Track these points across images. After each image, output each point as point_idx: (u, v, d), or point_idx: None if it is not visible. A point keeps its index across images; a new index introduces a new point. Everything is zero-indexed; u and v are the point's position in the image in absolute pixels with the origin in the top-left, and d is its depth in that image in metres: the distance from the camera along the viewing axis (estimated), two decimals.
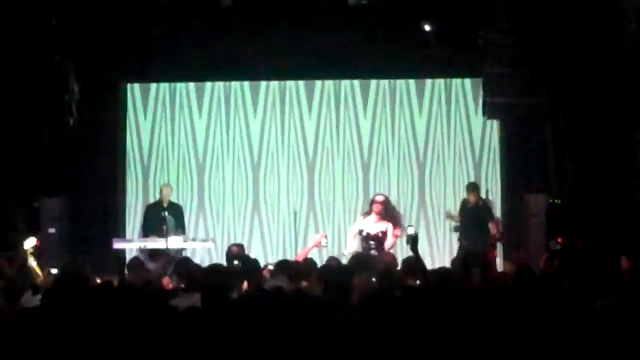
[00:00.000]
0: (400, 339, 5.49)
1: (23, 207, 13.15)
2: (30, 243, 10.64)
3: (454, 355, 5.46)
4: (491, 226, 13.14)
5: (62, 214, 13.47)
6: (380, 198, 11.94)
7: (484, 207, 13.34)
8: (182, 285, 8.07)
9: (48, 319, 5.89)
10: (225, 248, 10.95)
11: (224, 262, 9.94)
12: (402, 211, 13.95)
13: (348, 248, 11.80)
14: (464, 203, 13.51)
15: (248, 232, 14.65)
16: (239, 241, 12.75)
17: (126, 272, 9.84)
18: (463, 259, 9.04)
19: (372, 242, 11.63)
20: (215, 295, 6.64)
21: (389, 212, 11.87)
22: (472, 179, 14.08)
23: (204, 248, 13.39)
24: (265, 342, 5.35)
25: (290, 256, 12.22)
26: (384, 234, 11.66)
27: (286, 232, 14.49)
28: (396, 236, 11.68)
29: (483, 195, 13.56)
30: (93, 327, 5.71)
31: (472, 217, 13.21)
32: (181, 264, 9.01)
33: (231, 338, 5.39)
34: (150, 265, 11.76)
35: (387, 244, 11.62)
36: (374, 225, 11.74)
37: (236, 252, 10.32)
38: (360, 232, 11.77)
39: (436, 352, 5.44)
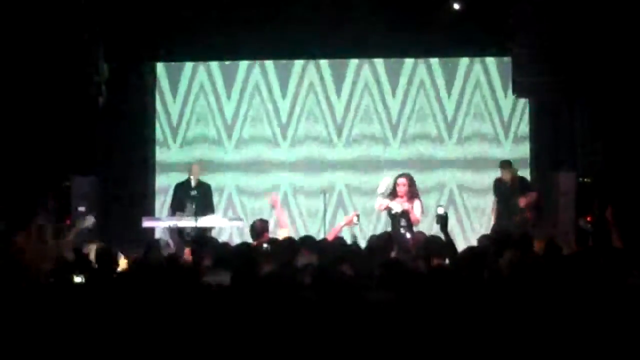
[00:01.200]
0: (427, 318, 5.50)
1: (54, 186, 13.24)
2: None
3: (483, 334, 5.47)
4: (522, 200, 13.09)
5: (92, 193, 13.52)
6: (402, 180, 11.91)
7: (519, 185, 13.31)
8: (208, 264, 8.09)
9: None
10: None
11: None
12: (430, 191, 14.04)
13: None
14: (499, 182, 13.45)
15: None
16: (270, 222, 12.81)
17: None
18: (493, 239, 9.03)
19: (402, 220, 11.64)
20: (245, 273, 6.67)
21: (413, 192, 11.89)
22: (501, 158, 13.97)
23: (232, 227, 13.45)
24: (292, 320, 5.38)
25: (319, 235, 12.24)
26: (410, 211, 11.66)
27: (315, 211, 14.51)
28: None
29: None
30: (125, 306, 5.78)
31: (509, 197, 13.18)
32: (208, 242, 9.05)
33: (261, 315, 5.42)
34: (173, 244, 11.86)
35: (413, 218, 11.66)
36: (398, 205, 11.74)
37: (260, 226, 10.33)
38: (389, 210, 11.77)
39: (464, 332, 5.45)
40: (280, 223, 11.39)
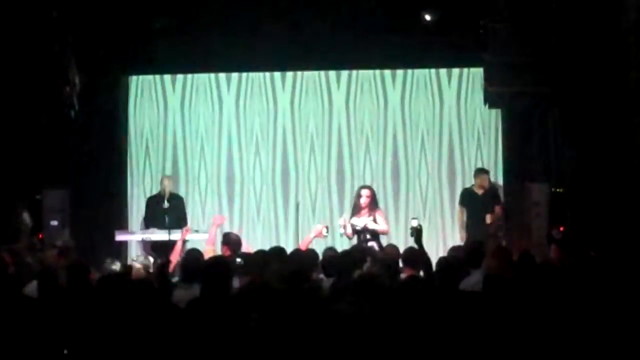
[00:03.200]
0: (403, 330, 5.49)
1: (25, 199, 13.15)
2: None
3: (458, 346, 5.47)
4: (488, 217, 13.17)
5: (64, 206, 13.45)
6: (366, 192, 12.09)
7: (491, 193, 13.41)
8: (177, 277, 8.06)
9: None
10: None
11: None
12: (403, 201, 14.10)
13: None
14: (468, 192, 13.48)
15: (251, 223, 14.66)
16: (242, 234, 12.75)
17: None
18: (468, 250, 9.05)
19: (366, 234, 11.74)
20: (217, 287, 6.63)
21: (374, 203, 12.08)
22: (473, 168, 14.05)
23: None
24: (267, 334, 5.36)
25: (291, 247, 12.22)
26: (374, 222, 11.77)
27: (288, 223, 14.49)
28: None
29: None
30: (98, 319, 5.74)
31: (479, 208, 13.26)
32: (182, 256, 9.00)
33: (234, 329, 5.40)
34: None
35: (381, 229, 11.74)
36: (360, 219, 11.85)
37: (237, 239, 10.27)
38: (353, 227, 11.88)
39: (440, 343, 5.45)
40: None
